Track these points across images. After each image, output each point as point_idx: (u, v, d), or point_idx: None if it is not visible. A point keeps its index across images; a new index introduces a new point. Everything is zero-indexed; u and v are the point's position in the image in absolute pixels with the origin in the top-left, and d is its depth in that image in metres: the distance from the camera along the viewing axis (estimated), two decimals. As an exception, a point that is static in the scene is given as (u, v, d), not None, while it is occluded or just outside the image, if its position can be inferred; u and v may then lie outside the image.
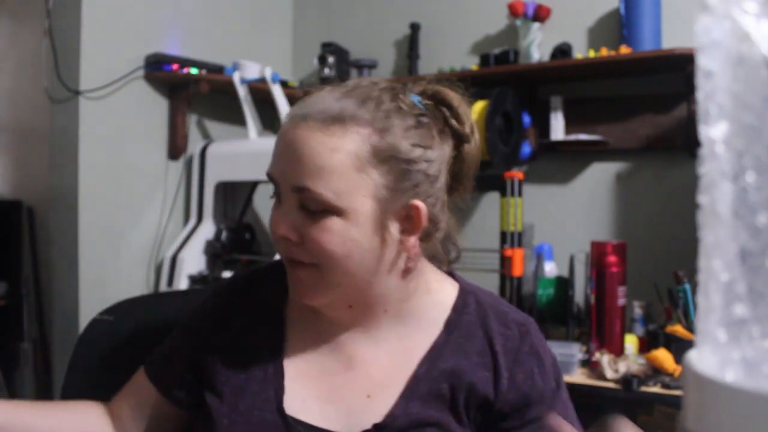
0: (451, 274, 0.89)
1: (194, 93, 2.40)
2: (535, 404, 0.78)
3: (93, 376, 1.05)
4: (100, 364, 1.05)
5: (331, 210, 0.73)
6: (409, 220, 0.77)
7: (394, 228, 0.76)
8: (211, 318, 0.87)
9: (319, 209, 0.73)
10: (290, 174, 0.74)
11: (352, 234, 0.73)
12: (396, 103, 0.75)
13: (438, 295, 0.85)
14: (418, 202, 0.76)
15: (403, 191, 0.75)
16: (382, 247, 0.76)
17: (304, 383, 0.81)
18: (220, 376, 0.82)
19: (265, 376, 0.81)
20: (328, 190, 0.72)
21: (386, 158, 0.74)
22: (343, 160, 0.72)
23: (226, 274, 2.36)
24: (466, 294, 0.85)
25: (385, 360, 0.82)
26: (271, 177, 0.77)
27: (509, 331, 0.81)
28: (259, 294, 0.88)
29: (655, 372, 1.69)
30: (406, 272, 0.80)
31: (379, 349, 0.82)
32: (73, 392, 1.05)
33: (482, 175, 2.67)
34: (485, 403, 0.78)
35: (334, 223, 0.73)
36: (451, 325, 0.82)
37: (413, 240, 0.78)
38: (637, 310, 2.01)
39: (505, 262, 2.01)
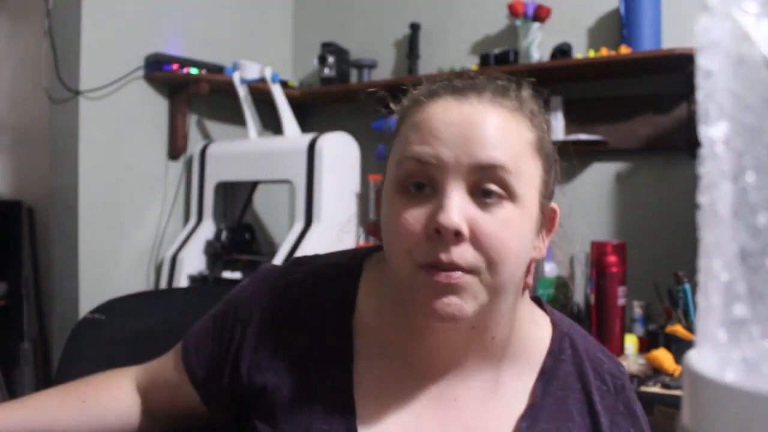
0: (538, 301, 0.79)
1: (194, 93, 2.40)
2: None
3: (83, 376, 1.02)
4: (91, 364, 0.99)
5: (509, 196, 0.64)
6: (548, 222, 0.72)
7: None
8: (270, 326, 0.74)
9: (495, 196, 0.63)
10: (473, 150, 0.63)
11: (524, 228, 0.66)
12: (533, 99, 0.71)
13: (535, 329, 0.75)
14: (555, 206, 0.72)
15: (552, 190, 0.71)
16: (530, 251, 0.68)
17: (383, 426, 0.69)
18: (278, 409, 0.70)
19: (330, 414, 0.69)
20: (514, 169, 0.64)
21: (545, 152, 0.70)
22: (523, 140, 0.66)
23: (226, 274, 2.36)
24: (561, 334, 0.75)
25: (480, 403, 0.71)
26: (422, 161, 0.64)
27: (605, 386, 0.72)
28: (322, 301, 0.75)
29: (655, 372, 1.69)
30: (524, 289, 0.72)
31: (473, 389, 0.71)
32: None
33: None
34: None
35: (510, 212, 0.64)
36: (547, 373, 0.72)
37: (546, 244, 0.71)
38: (637, 310, 2.01)
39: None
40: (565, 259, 0.75)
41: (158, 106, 2.46)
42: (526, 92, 0.70)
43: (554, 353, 0.73)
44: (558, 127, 2.35)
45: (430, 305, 0.63)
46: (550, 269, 2.22)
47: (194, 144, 2.53)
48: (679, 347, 1.73)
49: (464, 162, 0.63)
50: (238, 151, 2.44)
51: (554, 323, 0.76)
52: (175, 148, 2.48)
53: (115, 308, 1.07)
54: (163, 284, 2.38)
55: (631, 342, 1.83)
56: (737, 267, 0.26)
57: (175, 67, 2.35)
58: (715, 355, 0.26)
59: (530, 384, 0.72)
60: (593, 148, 2.33)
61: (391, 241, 0.66)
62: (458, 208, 0.62)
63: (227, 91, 2.48)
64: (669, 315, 1.90)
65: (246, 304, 0.76)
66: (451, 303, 0.63)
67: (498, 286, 0.64)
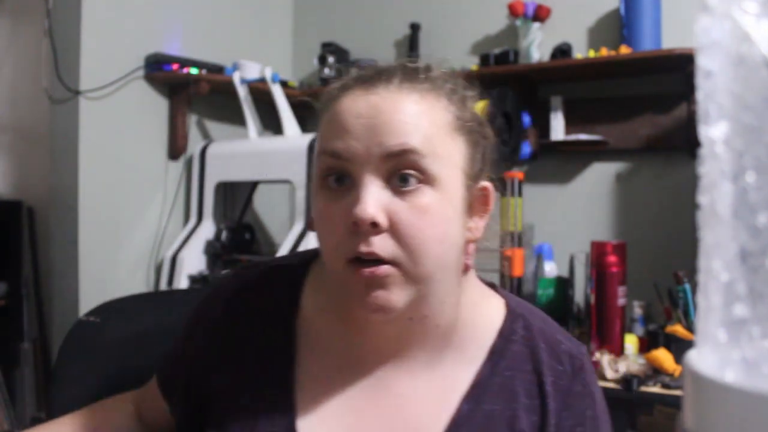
0: (492, 286, 0.79)
1: (194, 93, 2.40)
2: None
3: (79, 380, 1.01)
4: (86, 368, 1.01)
5: (427, 180, 0.63)
6: (480, 202, 0.71)
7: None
8: (218, 334, 0.76)
9: (413, 181, 0.63)
10: (382, 139, 0.63)
11: (447, 212, 0.65)
12: (453, 76, 0.71)
13: (484, 311, 0.74)
14: (488, 184, 0.71)
15: (480, 168, 0.70)
16: (461, 234, 0.68)
17: (322, 421, 0.70)
18: (227, 413, 0.72)
19: (272, 413, 0.70)
20: (429, 152, 0.63)
21: (467, 129, 0.69)
22: (437, 121, 0.65)
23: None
24: (514, 316, 0.74)
25: (423, 394, 0.70)
26: (337, 154, 0.64)
27: (561, 366, 0.71)
28: (267, 303, 0.76)
29: (655, 372, 1.69)
30: (464, 271, 0.71)
31: (416, 380, 0.71)
32: (59, 395, 1.01)
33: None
34: None
35: (429, 197, 0.63)
36: (496, 354, 0.72)
37: (481, 224, 0.71)
38: (637, 310, 2.01)
39: (505, 262, 2.02)
40: (494, 239, 0.74)
41: (158, 106, 2.46)
42: (438, 72, 0.70)
43: (505, 334, 0.73)
44: (558, 127, 2.35)
45: (361, 299, 0.64)
46: (550, 269, 2.22)
47: (194, 144, 2.53)
48: (679, 347, 1.73)
49: (375, 152, 0.63)
50: (238, 151, 2.44)
51: (508, 306, 0.75)
52: (175, 148, 2.48)
53: (111, 310, 1.07)
54: (163, 284, 2.38)
55: (631, 342, 1.84)
56: (737, 267, 0.26)
57: (175, 67, 2.35)
58: (715, 355, 0.26)
59: (478, 367, 0.71)
60: (593, 148, 2.33)
61: (319, 238, 0.67)
62: (374, 199, 0.62)
63: (227, 91, 2.48)
64: (669, 315, 1.90)
65: (195, 320, 0.79)
66: (379, 296, 0.63)
67: (423, 275, 0.64)
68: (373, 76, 0.67)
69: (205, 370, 0.75)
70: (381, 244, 0.62)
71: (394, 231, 0.63)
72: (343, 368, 0.71)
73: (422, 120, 0.64)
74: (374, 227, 0.62)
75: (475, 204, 0.70)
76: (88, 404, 0.87)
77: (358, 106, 0.65)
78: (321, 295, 0.75)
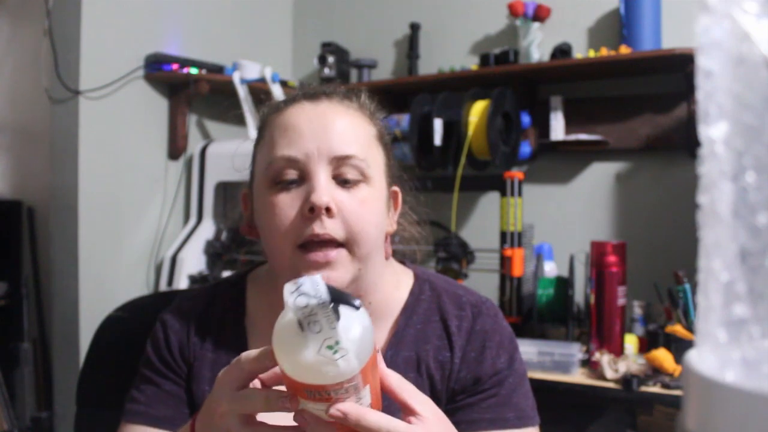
0: (403, 262, 0.94)
1: (194, 93, 2.40)
2: (485, 380, 0.83)
3: (109, 372, 1.08)
4: (116, 360, 1.08)
5: (364, 179, 0.78)
6: (394, 202, 0.87)
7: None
8: (175, 355, 0.86)
9: (353, 180, 0.77)
10: (330, 143, 0.77)
11: (379, 204, 0.80)
12: (369, 100, 0.87)
13: (401, 283, 0.89)
14: (396, 188, 0.88)
15: (392, 173, 0.86)
16: (386, 224, 0.83)
17: None
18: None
19: None
20: (365, 157, 0.78)
21: (384, 143, 0.85)
22: (368, 133, 0.81)
23: (226, 273, 2.36)
24: (421, 281, 0.89)
25: None
26: (290, 159, 0.77)
27: (463, 312, 0.86)
28: (216, 313, 0.88)
29: (655, 372, 1.69)
30: (386, 257, 0.86)
31: None
32: (89, 388, 1.09)
33: (482, 175, 2.69)
34: (446, 383, 0.83)
35: (366, 192, 0.78)
36: (408, 310, 0.86)
37: (394, 220, 0.86)
38: (637, 310, 2.01)
39: (505, 262, 2.02)
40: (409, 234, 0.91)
41: (158, 106, 2.46)
42: (364, 96, 0.86)
43: (414, 293, 0.88)
44: (558, 127, 2.35)
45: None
46: (549, 269, 2.22)
47: (194, 144, 2.53)
48: (679, 347, 1.72)
49: (325, 152, 0.77)
50: (238, 151, 2.43)
51: (416, 274, 0.90)
52: (175, 148, 2.48)
53: (137, 306, 1.14)
54: (163, 284, 2.38)
55: (631, 342, 1.83)
56: (737, 267, 0.26)
57: (175, 67, 2.35)
58: (715, 355, 0.26)
59: (394, 323, 0.86)
60: (593, 148, 2.33)
61: (270, 227, 0.78)
62: (326, 189, 0.75)
63: (227, 91, 2.48)
64: (669, 315, 1.90)
65: (155, 347, 0.87)
66: (330, 277, 0.75)
67: (364, 255, 0.78)
68: (317, 92, 0.82)
69: (195, 379, 0.85)
70: (333, 227, 0.75)
71: (342, 216, 0.76)
72: None
73: (359, 131, 0.80)
74: (327, 212, 0.75)
75: (391, 203, 0.86)
76: (116, 394, 0.92)
77: (307, 113, 0.79)
78: (262, 297, 0.89)
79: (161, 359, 0.86)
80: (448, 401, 0.82)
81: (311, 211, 0.74)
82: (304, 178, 0.77)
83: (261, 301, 0.89)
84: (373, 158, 0.80)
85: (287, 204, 0.76)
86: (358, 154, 0.78)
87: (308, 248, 0.76)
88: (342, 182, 0.77)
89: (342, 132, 0.78)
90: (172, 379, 0.85)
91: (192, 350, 0.85)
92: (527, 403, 0.85)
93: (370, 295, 0.84)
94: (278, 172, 0.77)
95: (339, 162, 0.77)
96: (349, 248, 0.77)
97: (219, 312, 0.88)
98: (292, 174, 0.77)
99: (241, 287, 0.91)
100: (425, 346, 0.84)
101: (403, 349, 0.84)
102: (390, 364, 0.80)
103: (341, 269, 0.76)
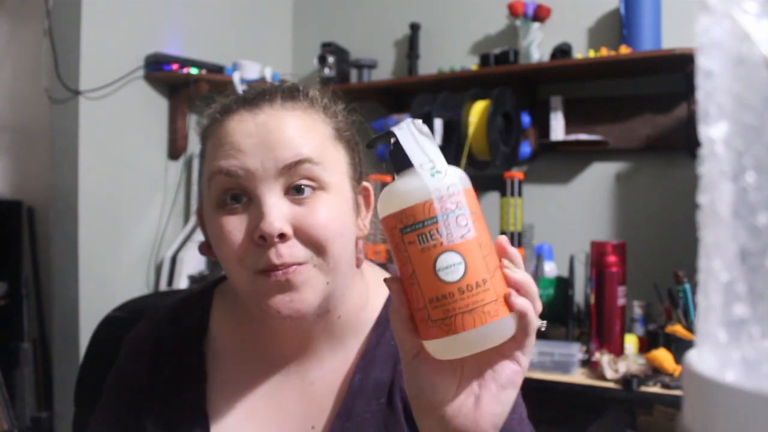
0: (384, 267, 0.86)
1: (194, 93, 2.40)
2: None
3: (107, 372, 1.07)
4: (114, 360, 1.07)
5: (321, 187, 0.68)
6: (364, 201, 0.77)
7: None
8: (135, 385, 0.80)
9: (308, 190, 0.68)
10: (277, 153, 0.67)
11: (342, 210, 0.70)
12: (323, 92, 0.77)
13: (377, 295, 0.79)
14: (367, 183, 0.78)
15: (358, 172, 0.76)
16: (354, 230, 0.73)
17: (241, 427, 0.74)
18: None
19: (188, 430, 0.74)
20: (320, 161, 0.69)
21: (344, 137, 0.75)
22: (321, 133, 0.71)
23: (226, 274, 2.35)
24: None
25: (330, 376, 0.75)
26: (233, 174, 0.67)
27: None
28: (178, 337, 0.80)
29: (655, 372, 1.69)
30: (357, 264, 0.76)
31: (324, 365, 0.76)
32: (87, 388, 1.08)
33: (482, 175, 2.69)
34: None
35: (325, 200, 0.68)
36: (381, 324, 0.77)
37: (367, 221, 0.77)
38: (637, 310, 2.01)
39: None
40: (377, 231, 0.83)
41: (158, 106, 2.46)
42: (314, 91, 0.75)
43: (388, 305, 0.77)
44: (558, 127, 2.35)
45: (273, 306, 0.67)
46: (549, 269, 2.22)
47: (194, 144, 2.53)
48: (679, 347, 1.72)
49: (271, 167, 0.67)
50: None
51: None
52: (175, 148, 2.48)
53: (136, 307, 1.13)
54: (163, 284, 2.38)
55: (631, 342, 1.83)
56: (737, 267, 0.26)
57: (175, 67, 2.35)
58: (715, 355, 0.26)
59: (366, 337, 0.77)
60: (593, 148, 2.33)
61: (222, 255, 0.69)
62: (277, 212, 0.66)
63: (227, 91, 2.48)
64: (669, 315, 1.90)
65: (118, 372, 0.83)
66: (294, 299, 0.67)
67: (332, 267, 0.69)
68: (256, 97, 0.71)
69: (133, 416, 0.78)
70: (290, 252, 0.66)
71: (300, 236, 0.67)
72: (255, 373, 0.76)
73: (310, 132, 0.70)
74: (282, 237, 0.65)
75: (360, 204, 0.76)
76: (112, 396, 0.89)
77: (247, 125, 0.69)
78: (228, 315, 0.80)
79: (118, 394, 0.82)
80: None
81: (263, 239, 0.65)
82: (251, 197, 0.67)
83: (227, 321, 0.80)
84: (330, 160, 0.70)
85: (235, 228, 0.67)
86: (312, 157, 0.68)
87: (268, 271, 0.67)
88: (296, 194, 0.67)
89: (289, 139, 0.68)
90: (127, 417, 0.80)
91: (146, 391, 0.79)
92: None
93: (339, 309, 0.75)
94: (221, 190, 0.68)
95: (289, 172, 0.67)
96: (315, 263, 0.68)
97: (181, 332, 0.80)
98: (236, 191, 0.68)
99: (206, 304, 0.82)
100: (399, 366, 0.72)
101: (374, 370, 0.74)
102: (358, 390, 0.74)
103: (308, 290, 0.67)
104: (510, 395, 0.54)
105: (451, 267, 0.49)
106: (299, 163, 0.67)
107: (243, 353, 0.77)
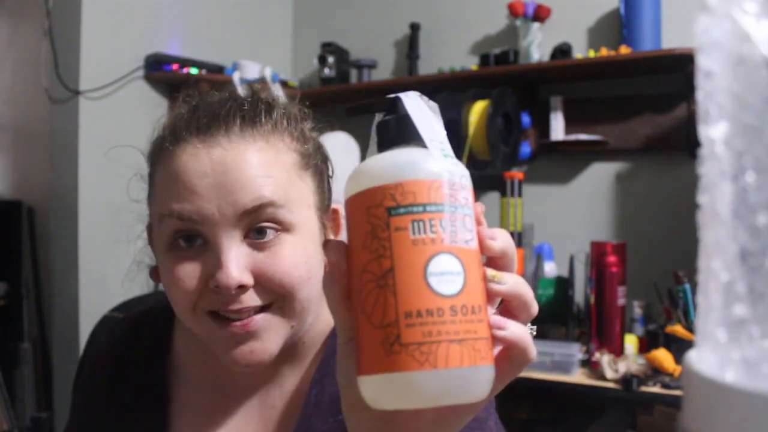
0: None
1: (193, 93, 2.40)
2: None
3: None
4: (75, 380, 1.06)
5: (284, 228, 0.62)
6: (333, 228, 0.71)
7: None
8: (94, 405, 0.76)
9: (271, 232, 0.61)
10: (235, 197, 0.60)
11: (308, 250, 0.64)
12: (289, 108, 0.69)
13: None
14: (338, 206, 0.71)
15: (326, 198, 0.70)
16: (323, 262, 0.66)
17: None
18: None
19: None
20: (284, 201, 0.62)
21: (312, 164, 0.68)
22: (285, 165, 0.64)
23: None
24: None
25: (291, 397, 0.71)
26: (187, 218, 0.60)
27: None
28: (138, 352, 0.76)
29: (655, 372, 1.69)
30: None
31: (285, 388, 0.72)
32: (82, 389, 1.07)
33: (482, 175, 2.69)
34: None
35: (289, 243, 0.62)
36: (334, 335, 0.70)
37: None
38: (637, 310, 2.01)
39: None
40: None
41: (158, 106, 2.45)
42: (277, 112, 0.67)
43: None
44: (558, 127, 2.35)
45: (231, 356, 0.62)
46: (549, 269, 2.22)
47: (194, 144, 2.53)
48: (679, 347, 1.72)
49: (229, 213, 0.60)
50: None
51: None
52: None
53: (134, 307, 1.10)
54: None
55: (631, 342, 1.83)
56: (737, 267, 0.26)
57: (175, 67, 2.35)
58: (715, 355, 0.26)
59: (323, 348, 0.72)
60: (593, 148, 2.33)
61: (173, 300, 0.63)
62: (236, 261, 0.59)
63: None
64: (669, 315, 1.90)
65: (80, 389, 0.80)
66: (255, 350, 0.62)
67: (298, 310, 0.63)
68: (210, 124, 0.63)
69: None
70: (250, 298, 0.61)
71: (262, 283, 0.61)
72: (218, 396, 0.72)
73: (272, 169, 0.62)
74: (241, 289, 0.60)
75: (329, 230, 0.70)
76: (74, 413, 0.88)
77: (201, 163, 0.61)
78: (191, 335, 0.74)
79: (78, 411, 0.79)
80: None
81: (219, 290, 0.60)
82: (207, 241, 0.61)
83: (190, 340, 0.75)
84: (295, 196, 0.63)
85: (189, 275, 0.61)
86: (275, 200, 0.60)
87: (224, 317, 0.61)
88: (257, 236, 0.61)
89: (249, 180, 0.60)
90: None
91: (104, 410, 0.75)
92: None
93: (304, 338, 0.70)
94: (173, 232, 0.61)
95: (250, 217, 0.60)
96: (278, 309, 0.62)
97: (141, 348, 0.76)
98: (190, 233, 0.61)
99: (170, 317, 0.76)
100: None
101: (330, 383, 0.67)
102: (314, 407, 0.68)
103: (271, 338, 0.62)
104: (465, 418, 0.43)
105: (447, 275, 0.36)
106: (261, 207, 0.60)
107: (206, 374, 0.74)
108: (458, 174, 0.39)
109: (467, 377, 0.36)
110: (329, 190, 0.71)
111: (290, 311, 0.63)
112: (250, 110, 0.65)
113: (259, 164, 0.61)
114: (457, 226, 0.37)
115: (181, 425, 0.72)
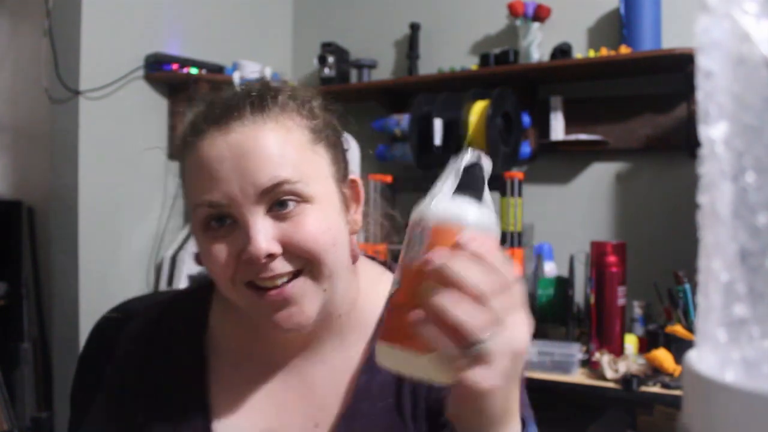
0: (384, 263, 0.84)
1: (194, 93, 2.40)
2: None
3: (102, 374, 1.06)
4: (107, 361, 1.06)
5: (304, 200, 0.68)
6: (353, 196, 0.76)
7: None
8: (130, 384, 0.79)
9: (292, 204, 0.67)
10: (254, 178, 0.66)
11: (330, 217, 0.70)
12: (297, 91, 0.74)
13: (380, 288, 0.75)
14: (354, 176, 0.77)
15: (343, 167, 0.75)
16: (346, 230, 0.73)
17: (238, 420, 0.74)
18: None
19: (189, 422, 0.74)
20: (300, 179, 0.67)
21: (324, 137, 0.73)
22: (298, 142, 0.69)
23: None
24: None
25: (331, 375, 0.75)
26: (213, 205, 0.67)
27: None
28: (176, 329, 0.81)
29: (655, 372, 1.69)
30: (353, 260, 0.76)
31: (325, 364, 0.76)
32: (82, 391, 1.06)
33: (482, 175, 2.64)
34: (433, 409, 0.71)
35: (310, 212, 0.68)
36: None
37: (359, 215, 0.76)
38: (637, 310, 2.01)
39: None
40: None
41: (158, 106, 2.46)
42: (283, 96, 0.72)
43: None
44: (558, 127, 2.35)
45: (273, 320, 0.68)
46: (549, 269, 2.22)
47: (194, 144, 2.53)
48: (679, 347, 1.72)
49: (250, 192, 0.66)
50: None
51: None
52: (175, 148, 2.47)
53: (133, 307, 1.11)
54: (163, 284, 2.38)
55: (631, 342, 1.83)
56: (737, 267, 0.26)
57: (175, 67, 2.35)
58: (715, 355, 0.26)
59: (371, 337, 0.76)
60: (593, 148, 2.33)
61: (213, 275, 0.70)
62: (263, 234, 0.66)
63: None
64: (669, 315, 1.90)
65: (113, 370, 0.82)
66: (293, 314, 0.68)
67: (327, 275, 0.69)
68: (225, 114, 0.69)
69: (129, 416, 0.77)
70: (280, 265, 0.67)
71: (290, 250, 0.67)
72: (257, 370, 0.76)
73: (286, 148, 0.68)
74: (270, 257, 0.66)
75: (349, 199, 0.75)
76: (107, 395, 0.88)
77: (219, 149, 0.67)
78: (228, 312, 0.80)
79: (113, 394, 0.81)
80: (433, 418, 0.71)
81: (251, 261, 0.66)
82: (236, 219, 0.67)
83: (227, 318, 0.80)
84: (311, 170, 0.69)
85: (223, 252, 0.67)
86: (289, 178, 0.66)
87: (261, 287, 0.68)
88: (280, 209, 0.67)
89: (264, 161, 0.66)
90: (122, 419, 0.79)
91: (141, 389, 0.78)
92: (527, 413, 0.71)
93: (339, 309, 0.75)
94: (205, 220, 0.68)
95: (270, 194, 0.66)
96: (309, 273, 0.68)
97: (175, 329, 0.81)
98: (220, 218, 0.68)
99: (205, 300, 0.82)
100: None
101: (379, 371, 0.69)
102: (364, 392, 0.73)
103: (307, 302, 0.68)
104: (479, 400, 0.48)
105: None
106: (279, 185, 0.66)
107: (244, 350, 0.78)
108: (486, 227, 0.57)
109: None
110: (345, 161, 0.76)
111: (319, 275, 0.68)
112: (258, 96, 0.70)
113: (271, 145, 0.68)
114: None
115: (218, 402, 0.75)
